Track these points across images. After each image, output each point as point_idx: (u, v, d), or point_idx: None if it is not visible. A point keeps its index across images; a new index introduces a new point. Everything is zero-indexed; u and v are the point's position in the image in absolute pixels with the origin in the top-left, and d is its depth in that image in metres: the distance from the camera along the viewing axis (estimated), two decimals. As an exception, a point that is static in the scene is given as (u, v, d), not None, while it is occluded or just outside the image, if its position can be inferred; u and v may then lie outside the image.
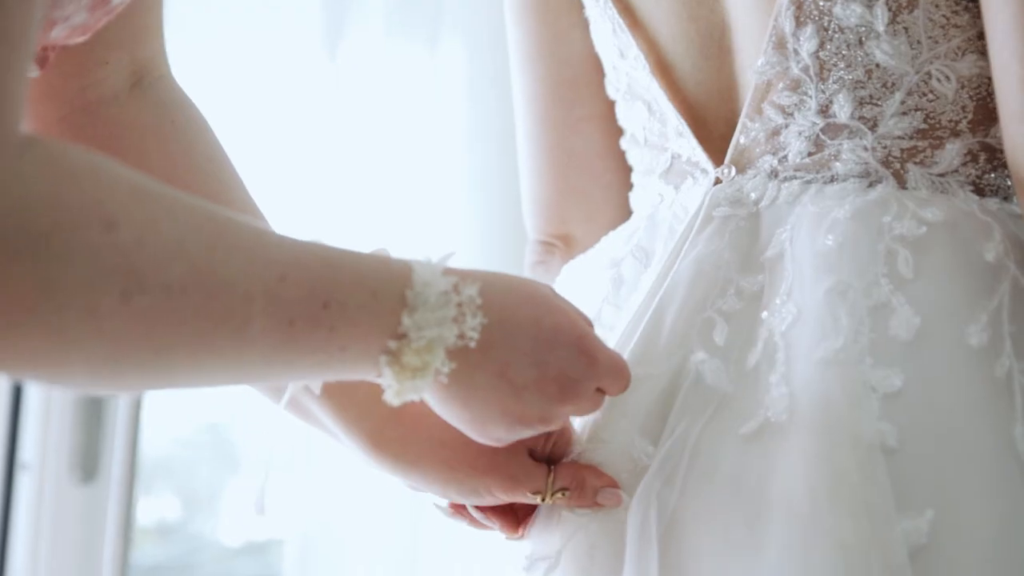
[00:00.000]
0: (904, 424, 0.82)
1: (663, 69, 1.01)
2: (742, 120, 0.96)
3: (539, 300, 0.83)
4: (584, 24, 1.08)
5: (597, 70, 1.08)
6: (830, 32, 0.91)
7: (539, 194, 1.10)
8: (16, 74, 0.61)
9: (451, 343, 0.78)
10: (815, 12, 0.91)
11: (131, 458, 1.58)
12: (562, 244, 1.10)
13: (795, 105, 0.93)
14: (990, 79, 0.89)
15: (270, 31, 2.30)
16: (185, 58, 2.38)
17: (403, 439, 0.92)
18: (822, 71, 0.92)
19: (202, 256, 0.67)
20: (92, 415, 1.62)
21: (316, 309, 0.73)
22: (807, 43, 0.92)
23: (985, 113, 0.91)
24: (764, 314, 0.89)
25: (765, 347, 0.88)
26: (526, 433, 0.85)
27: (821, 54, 0.92)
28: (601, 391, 0.88)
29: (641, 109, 1.03)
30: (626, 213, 1.08)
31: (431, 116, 2.14)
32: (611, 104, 1.08)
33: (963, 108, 0.91)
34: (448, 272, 0.79)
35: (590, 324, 0.88)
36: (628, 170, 1.08)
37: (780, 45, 0.93)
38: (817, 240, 0.89)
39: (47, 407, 1.61)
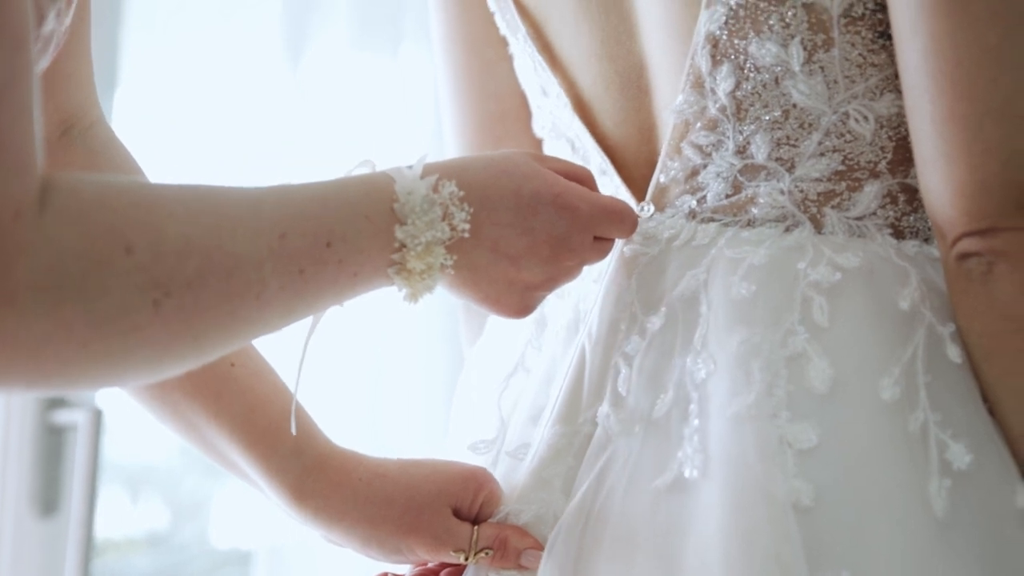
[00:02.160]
0: (819, 482, 0.81)
1: (583, 108, 1.00)
2: (662, 159, 0.94)
3: (514, 171, 0.87)
4: (511, 58, 1.06)
5: (525, 105, 1.07)
6: (746, 71, 0.89)
7: None
8: (29, 129, 0.65)
9: (446, 239, 0.82)
10: (731, 51, 0.89)
11: (91, 491, 1.58)
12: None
13: (713, 145, 0.92)
14: None
15: (232, 47, 2.30)
16: (150, 74, 2.39)
17: (326, 493, 0.92)
18: (739, 111, 0.90)
19: (210, 243, 0.71)
20: (52, 448, 1.62)
21: (320, 251, 0.77)
22: (724, 82, 0.90)
23: (905, 154, 0.89)
24: (677, 360, 0.88)
25: (677, 395, 0.87)
26: (543, 295, 0.89)
27: (738, 93, 0.90)
28: (603, 239, 0.90)
29: (565, 148, 1.02)
30: None
31: (398, 122, 2.14)
32: (540, 141, 1.07)
33: (882, 149, 0.89)
34: (427, 171, 0.83)
35: (585, 175, 0.91)
36: None
37: (698, 84, 0.91)
38: (732, 287, 0.88)
39: (6, 440, 1.60)
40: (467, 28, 1.08)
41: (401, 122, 2.13)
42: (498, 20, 1.05)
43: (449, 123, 1.10)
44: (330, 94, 2.19)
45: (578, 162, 1.00)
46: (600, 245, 0.90)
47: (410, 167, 0.83)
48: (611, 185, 0.98)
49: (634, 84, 0.96)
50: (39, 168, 0.66)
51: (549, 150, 1.05)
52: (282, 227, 0.75)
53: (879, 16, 0.87)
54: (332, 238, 0.77)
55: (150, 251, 0.68)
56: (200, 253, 0.70)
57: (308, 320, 0.84)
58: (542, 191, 0.86)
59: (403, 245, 0.80)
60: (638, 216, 0.94)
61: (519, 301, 0.88)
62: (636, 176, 0.97)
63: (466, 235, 0.83)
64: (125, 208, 0.69)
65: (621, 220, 0.91)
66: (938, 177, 0.82)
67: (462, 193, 0.83)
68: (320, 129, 2.20)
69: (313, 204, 0.78)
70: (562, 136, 1.02)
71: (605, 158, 0.98)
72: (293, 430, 0.90)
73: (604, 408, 0.90)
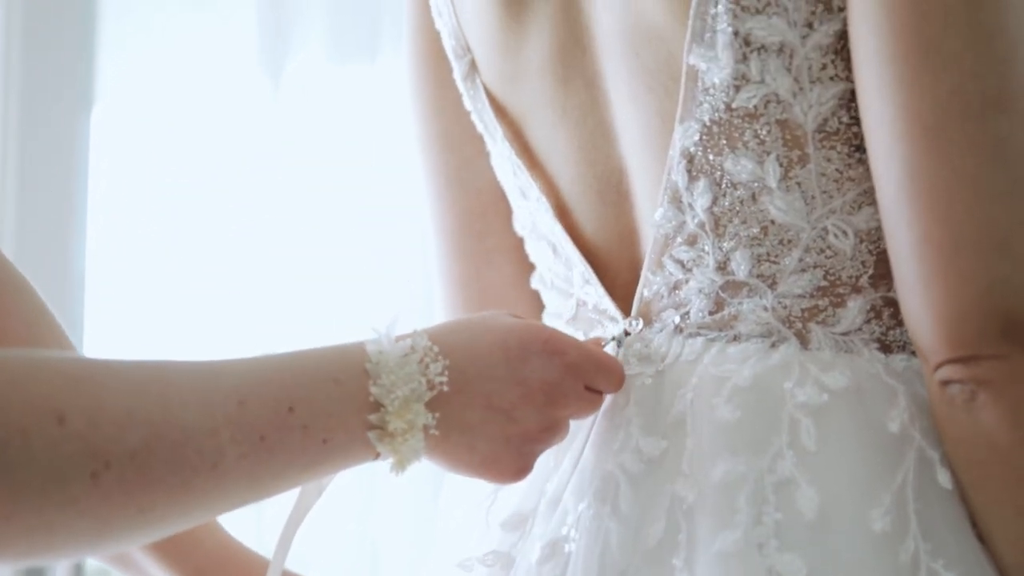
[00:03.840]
0: None
1: (563, 212, 0.99)
2: (644, 273, 0.93)
3: (496, 326, 0.86)
4: (489, 154, 1.05)
5: (506, 199, 1.05)
6: (723, 187, 0.88)
7: None
8: None
9: (424, 394, 0.80)
10: (707, 166, 0.88)
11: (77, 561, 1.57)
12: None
13: (694, 260, 0.90)
14: None
15: (209, 62, 2.28)
16: (127, 91, 2.36)
17: None
18: (718, 227, 0.89)
19: (156, 414, 0.70)
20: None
21: (283, 416, 0.75)
22: (700, 198, 0.89)
23: (887, 267, 0.86)
24: (668, 487, 0.87)
25: (668, 524, 0.86)
26: (539, 449, 0.87)
27: (715, 209, 0.89)
28: (593, 391, 0.89)
29: (546, 250, 1.01)
30: None
31: (379, 131, 2.13)
32: (522, 238, 1.05)
33: (863, 263, 0.88)
34: (400, 338, 0.82)
35: (585, 344, 0.89)
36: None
37: (675, 199, 0.90)
38: (716, 410, 0.87)
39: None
40: (444, 124, 1.07)
41: (382, 131, 2.12)
42: (475, 119, 1.03)
43: (431, 221, 1.08)
44: (310, 106, 2.17)
45: (560, 266, 1.00)
46: (591, 396, 0.89)
47: (379, 332, 0.82)
48: (595, 295, 0.97)
49: (614, 188, 0.95)
50: None
51: (531, 249, 1.04)
52: (241, 394, 0.74)
53: (854, 130, 0.86)
54: (295, 402, 0.76)
55: (85, 420, 0.67)
56: (144, 424, 0.69)
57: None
58: (529, 339, 0.85)
59: (380, 404, 0.79)
60: (624, 372, 0.92)
61: (517, 458, 0.86)
62: (618, 283, 0.96)
63: (444, 388, 0.81)
64: (55, 379, 0.68)
65: (609, 372, 0.90)
66: (918, 302, 0.81)
67: (436, 348, 0.82)
68: (302, 141, 2.18)
69: (275, 371, 0.77)
70: (543, 238, 1.01)
71: (587, 266, 0.97)
72: None
73: (608, 523, 0.89)
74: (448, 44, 1.04)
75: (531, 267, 1.05)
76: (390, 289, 2.10)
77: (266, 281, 2.20)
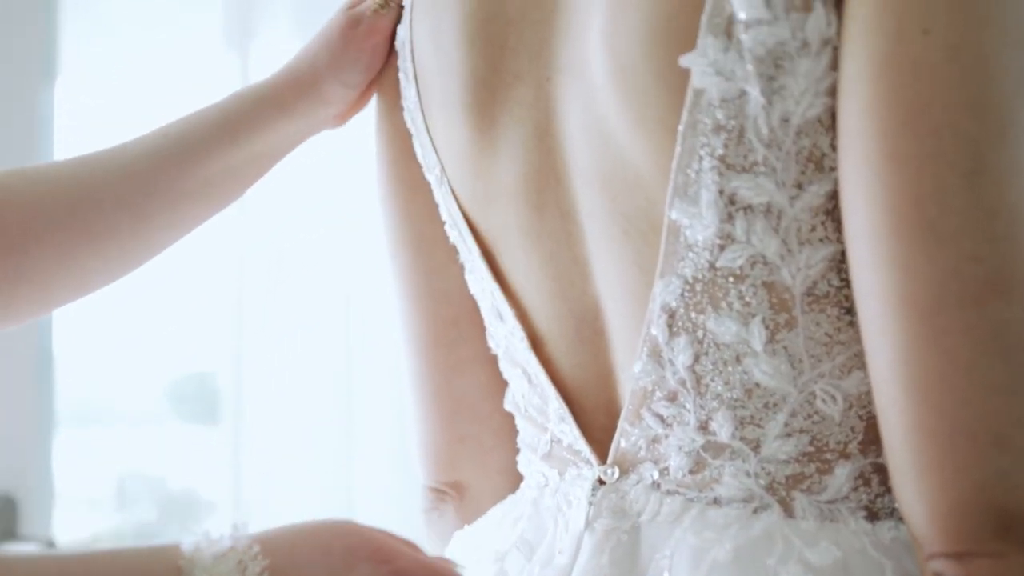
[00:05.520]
0: None
1: (538, 343, 0.94)
2: (621, 424, 0.89)
3: (324, 531, 0.82)
4: (463, 265, 1.00)
5: (479, 309, 1.01)
6: (705, 346, 0.84)
7: (427, 440, 1.04)
8: None
9: None
10: (688, 324, 0.84)
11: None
12: (454, 492, 1.04)
13: (674, 417, 0.86)
14: None
15: (173, 33, 2.22)
16: (90, 63, 2.29)
17: None
18: (699, 385, 0.84)
19: None
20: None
21: None
22: (681, 355, 0.84)
23: (876, 432, 0.81)
24: None
25: None
26: None
27: (697, 368, 0.84)
28: None
29: (521, 378, 0.96)
30: (515, 456, 1.02)
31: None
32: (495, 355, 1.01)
33: (852, 429, 0.83)
34: (220, 540, 0.78)
35: (409, 545, 0.84)
36: None
37: (655, 353, 0.85)
38: None
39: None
40: (415, 230, 1.01)
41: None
42: (449, 230, 0.98)
43: (402, 329, 1.03)
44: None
45: (535, 397, 0.95)
46: None
47: (199, 534, 0.79)
48: (570, 434, 0.93)
49: (589, 327, 0.91)
50: None
51: (505, 370, 0.99)
52: None
53: (845, 292, 0.81)
54: None
55: None
56: None
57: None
58: (357, 546, 0.80)
59: None
60: None
61: None
62: (595, 425, 0.92)
63: None
64: None
65: None
66: (910, 490, 0.77)
67: (257, 548, 0.78)
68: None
69: (78, 564, 0.73)
70: (518, 366, 0.96)
71: (563, 404, 0.93)
72: None
73: None
74: (419, 152, 0.98)
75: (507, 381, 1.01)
76: (343, 272, 2.07)
77: (229, 259, 2.16)
